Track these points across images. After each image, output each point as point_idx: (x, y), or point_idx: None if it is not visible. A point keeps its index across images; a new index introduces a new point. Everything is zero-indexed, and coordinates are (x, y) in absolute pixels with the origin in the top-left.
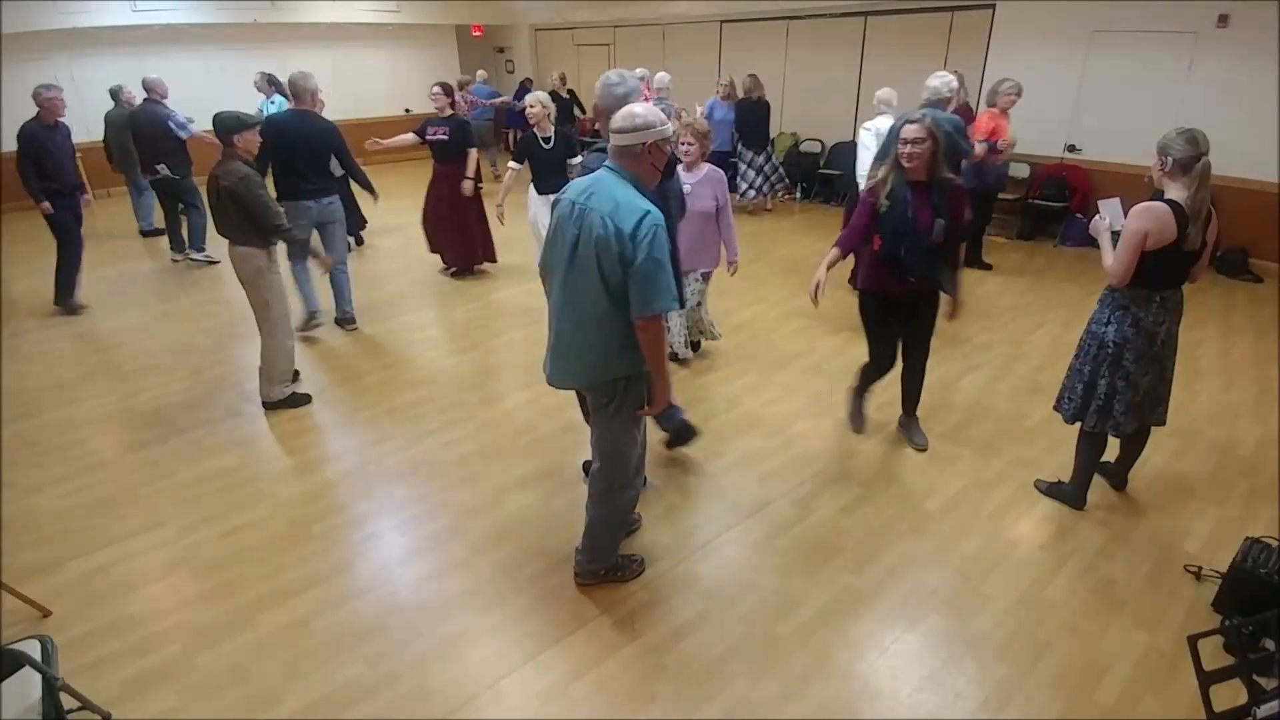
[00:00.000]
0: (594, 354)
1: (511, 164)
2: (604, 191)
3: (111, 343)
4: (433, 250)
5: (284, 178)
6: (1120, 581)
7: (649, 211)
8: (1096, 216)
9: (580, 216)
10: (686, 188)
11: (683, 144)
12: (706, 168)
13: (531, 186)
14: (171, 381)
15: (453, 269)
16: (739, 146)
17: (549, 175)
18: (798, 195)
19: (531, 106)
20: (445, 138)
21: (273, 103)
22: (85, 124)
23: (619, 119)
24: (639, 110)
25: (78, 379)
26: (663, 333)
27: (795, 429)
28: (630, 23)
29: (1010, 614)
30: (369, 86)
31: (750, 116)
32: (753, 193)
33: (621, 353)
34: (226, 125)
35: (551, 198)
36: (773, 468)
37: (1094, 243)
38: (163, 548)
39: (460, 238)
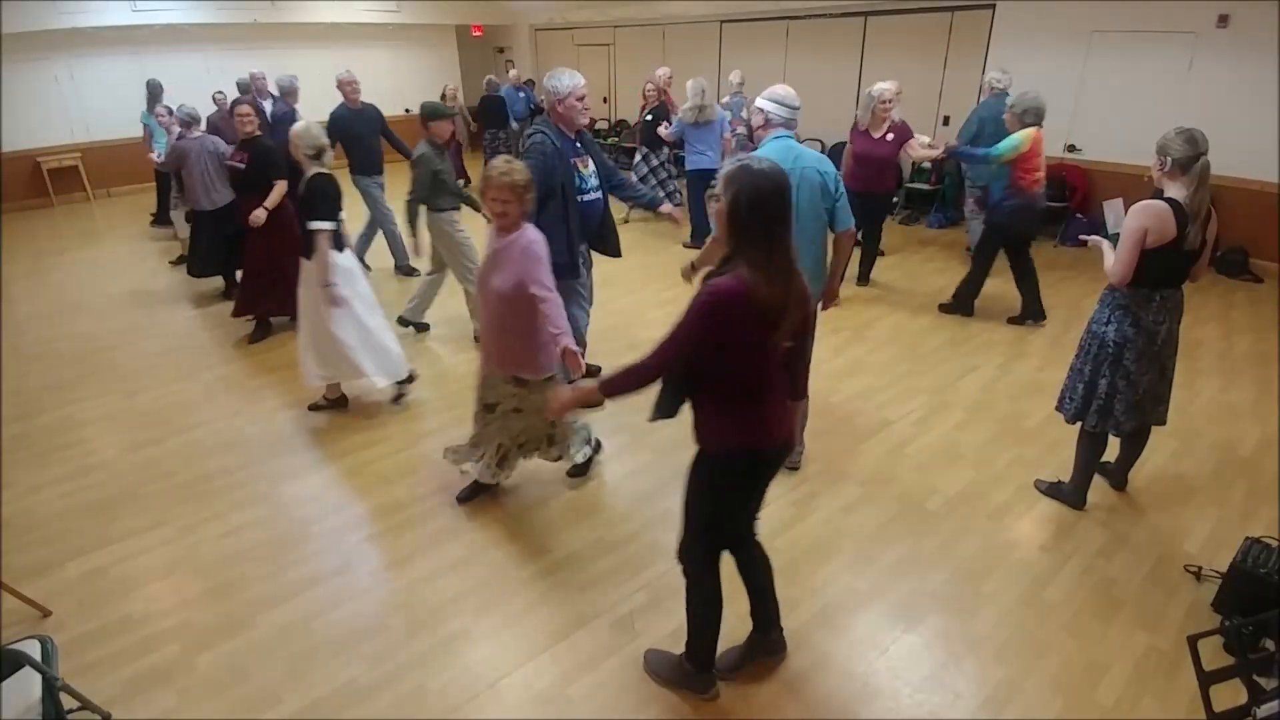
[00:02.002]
0: (818, 268)
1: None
2: (800, 154)
3: (112, 342)
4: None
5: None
6: (1120, 581)
7: (823, 158)
8: (1094, 238)
9: (799, 175)
10: (485, 256)
11: (494, 200)
12: (521, 232)
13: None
14: (171, 381)
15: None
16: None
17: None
18: None
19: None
20: (242, 165)
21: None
22: (85, 123)
23: (792, 99)
24: (792, 91)
25: (78, 379)
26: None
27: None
28: (630, 23)
29: (1010, 614)
30: (369, 87)
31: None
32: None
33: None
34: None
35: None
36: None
37: None
38: (163, 548)
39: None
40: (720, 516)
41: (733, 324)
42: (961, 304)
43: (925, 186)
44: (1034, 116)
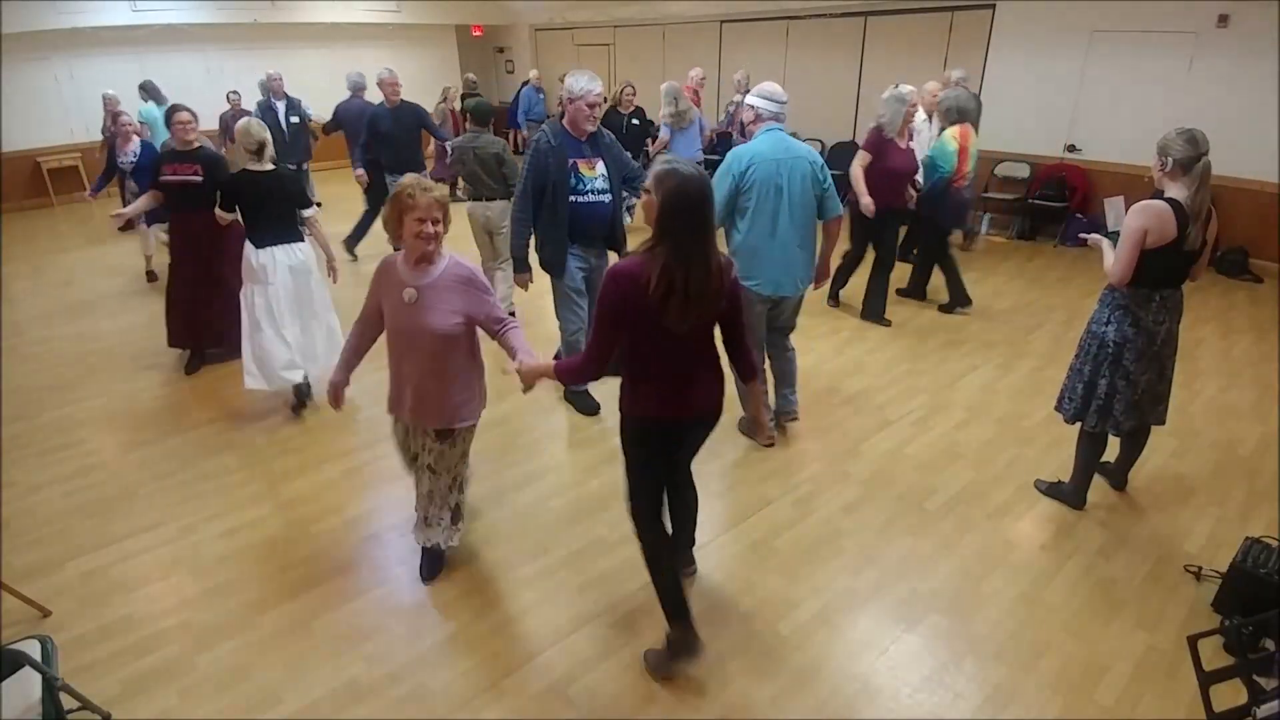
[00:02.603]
0: (809, 252)
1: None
2: (790, 145)
3: (111, 343)
4: (184, 344)
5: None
6: (1120, 581)
7: (811, 149)
8: (1093, 235)
9: (791, 164)
10: (409, 294)
11: (425, 221)
12: (448, 262)
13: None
14: (171, 381)
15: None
16: None
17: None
18: None
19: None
20: (197, 178)
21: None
22: (85, 123)
23: (779, 94)
24: (779, 87)
25: (78, 379)
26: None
27: (793, 429)
28: (630, 23)
29: (1010, 614)
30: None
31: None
32: None
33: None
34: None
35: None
36: (773, 468)
37: None
38: (163, 548)
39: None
40: (634, 476)
41: (629, 301)
42: (957, 298)
43: None
44: (958, 114)
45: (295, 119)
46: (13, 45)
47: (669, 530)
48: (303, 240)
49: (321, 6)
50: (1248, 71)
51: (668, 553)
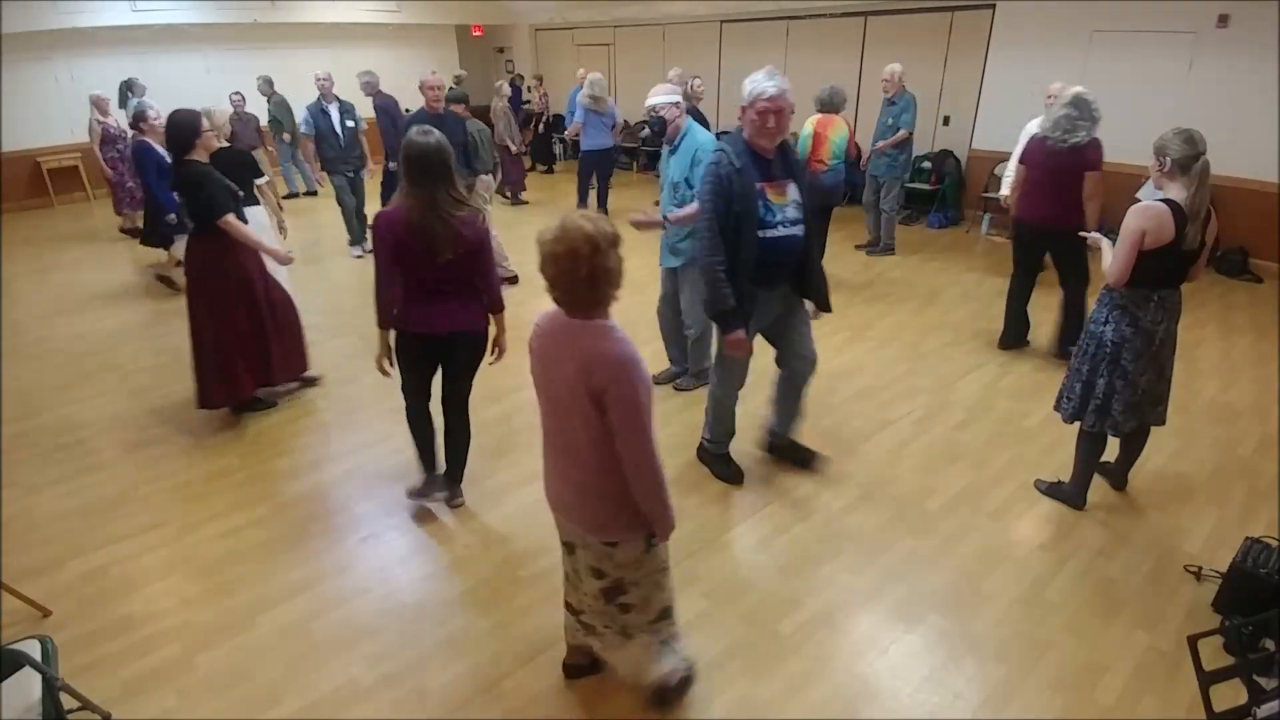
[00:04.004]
0: None
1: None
2: (698, 130)
3: (111, 343)
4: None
5: None
6: (1120, 581)
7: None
8: (1093, 234)
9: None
10: None
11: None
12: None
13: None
14: (171, 381)
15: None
16: None
17: None
18: None
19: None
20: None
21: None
22: (85, 124)
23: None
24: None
25: (78, 379)
26: None
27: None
28: (630, 23)
29: (1010, 614)
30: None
31: None
32: None
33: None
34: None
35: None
36: (773, 467)
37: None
38: (163, 548)
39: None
40: (402, 375)
41: (389, 237)
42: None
43: (926, 186)
44: (818, 105)
45: (350, 123)
46: (13, 45)
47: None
48: (258, 204)
49: (321, 6)
50: (1248, 71)
51: (420, 423)
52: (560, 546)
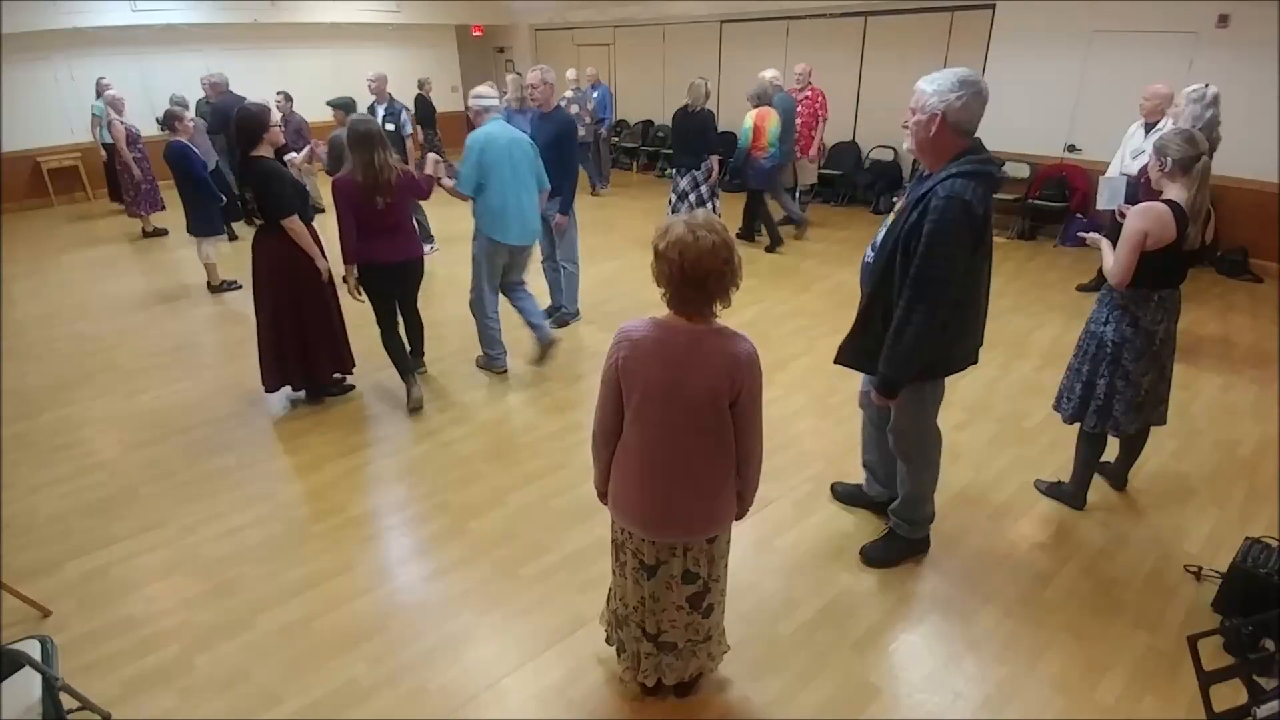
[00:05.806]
0: (535, 208)
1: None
2: (511, 130)
3: (111, 343)
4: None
5: None
6: (1120, 581)
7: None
8: (1092, 234)
9: (511, 140)
10: None
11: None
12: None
13: None
14: (171, 381)
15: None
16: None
17: None
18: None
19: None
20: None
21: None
22: (85, 124)
23: (489, 92)
24: (488, 88)
25: (78, 379)
26: None
27: (795, 429)
28: (630, 23)
29: (1010, 614)
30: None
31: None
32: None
33: None
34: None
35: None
36: (773, 468)
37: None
38: (163, 548)
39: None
40: (375, 306)
41: (345, 195)
42: (776, 239)
43: None
44: (755, 100)
45: (391, 126)
46: (13, 45)
47: (406, 345)
48: None
49: (321, 6)
50: (1248, 71)
51: (396, 346)
52: (626, 576)
